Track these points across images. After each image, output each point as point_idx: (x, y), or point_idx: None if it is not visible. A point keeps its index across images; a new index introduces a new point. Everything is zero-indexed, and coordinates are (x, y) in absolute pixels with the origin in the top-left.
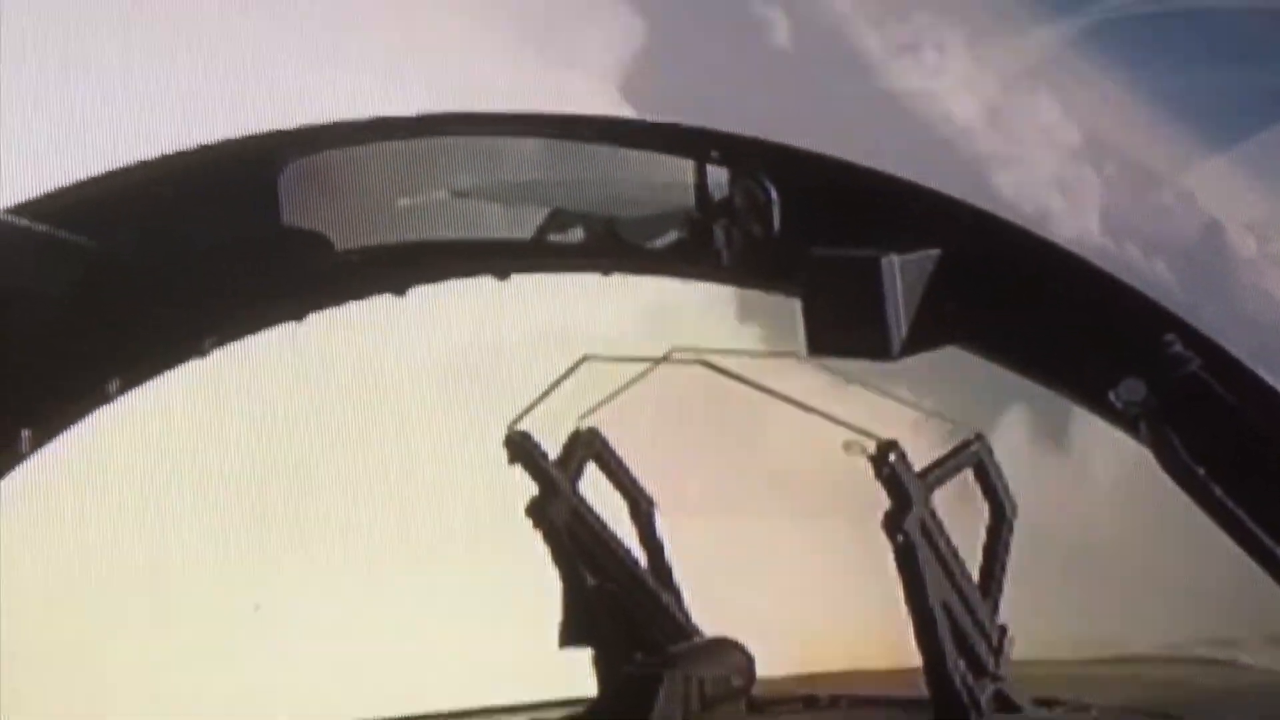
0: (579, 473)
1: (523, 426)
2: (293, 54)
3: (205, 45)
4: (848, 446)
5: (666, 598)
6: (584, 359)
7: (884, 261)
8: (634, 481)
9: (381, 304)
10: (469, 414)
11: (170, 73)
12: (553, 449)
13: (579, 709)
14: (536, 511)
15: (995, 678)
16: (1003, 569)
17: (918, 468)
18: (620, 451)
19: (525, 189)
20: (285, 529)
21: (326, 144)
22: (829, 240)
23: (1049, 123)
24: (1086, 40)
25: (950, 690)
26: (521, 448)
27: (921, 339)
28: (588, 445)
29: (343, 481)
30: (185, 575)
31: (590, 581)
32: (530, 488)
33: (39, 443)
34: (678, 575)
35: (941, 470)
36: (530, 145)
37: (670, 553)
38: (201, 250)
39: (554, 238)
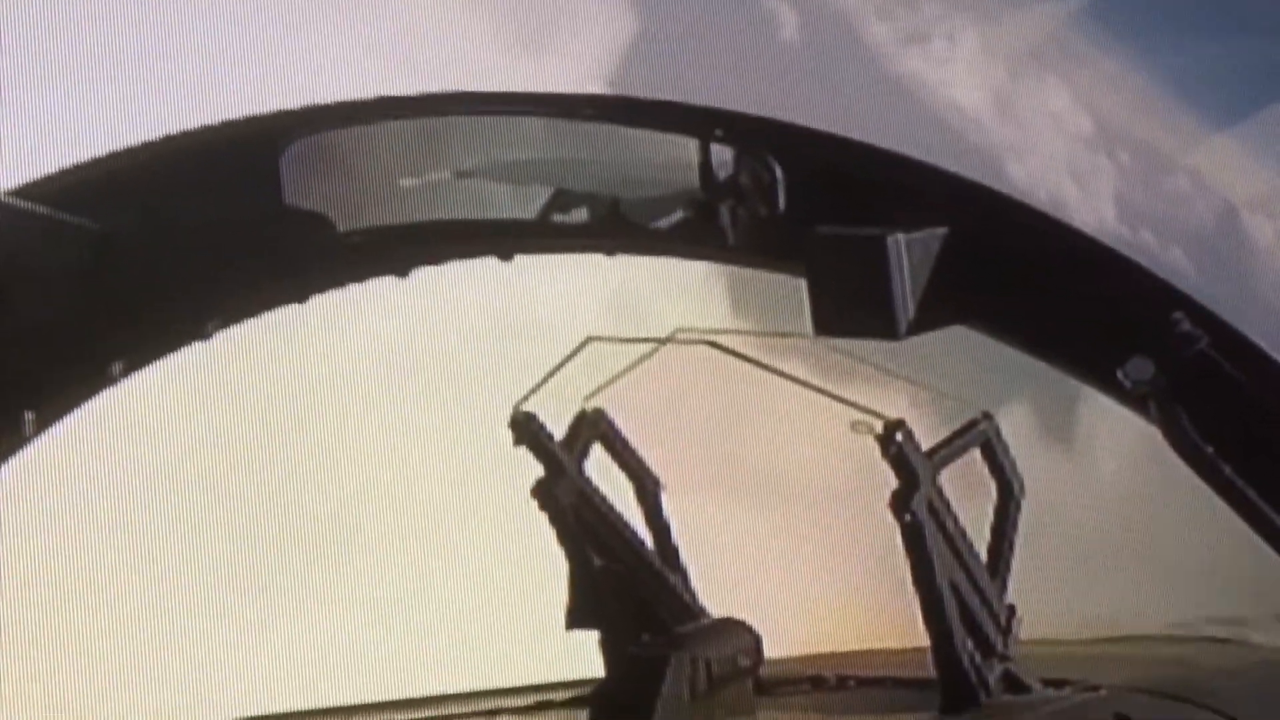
0: (585, 454)
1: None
2: (292, 35)
3: (207, 25)
4: (855, 426)
5: (673, 579)
6: (588, 340)
7: (889, 240)
8: (640, 462)
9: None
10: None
11: (173, 52)
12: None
13: (586, 690)
14: (543, 493)
15: (1003, 658)
16: (1011, 549)
17: (925, 447)
18: (626, 432)
19: (529, 169)
20: (285, 516)
21: (329, 124)
22: (834, 219)
23: (1057, 108)
24: (1088, 18)
25: (958, 670)
26: (527, 429)
27: (928, 319)
28: (593, 426)
29: (342, 467)
30: (186, 561)
31: (597, 563)
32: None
33: (43, 425)
34: (684, 556)
35: (948, 450)
36: (533, 125)
37: (676, 534)
38: (204, 232)
39: (558, 218)
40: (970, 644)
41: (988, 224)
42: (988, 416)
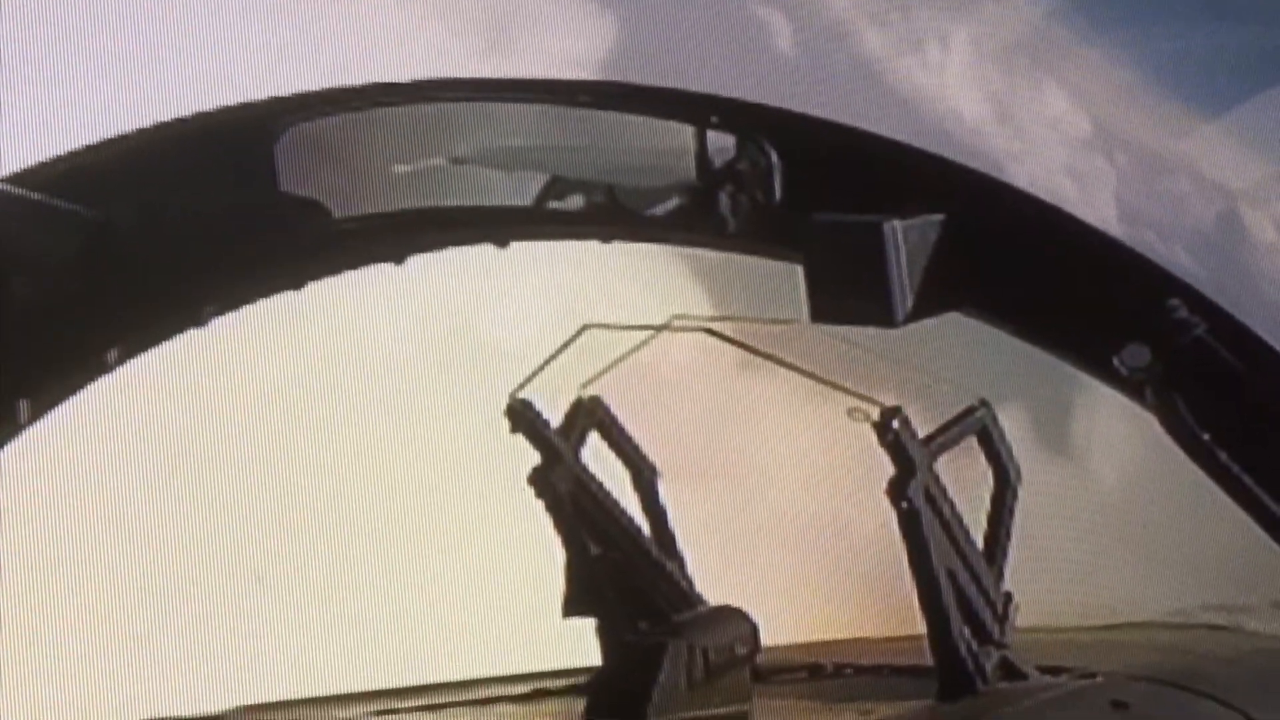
0: (581, 441)
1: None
2: (288, 21)
3: (201, 13)
4: (851, 413)
5: (670, 566)
6: (584, 328)
7: (886, 227)
8: (636, 450)
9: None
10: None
11: (167, 40)
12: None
13: (583, 678)
14: (539, 481)
15: (1000, 645)
16: (1007, 536)
17: (921, 435)
18: (622, 420)
19: (525, 156)
20: (279, 503)
21: (324, 111)
22: (831, 206)
23: (1054, 111)
24: (1074, 10)
25: (955, 658)
26: (523, 417)
27: (925, 305)
28: (590, 414)
29: (337, 454)
30: (181, 549)
31: (593, 551)
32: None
33: (38, 413)
34: (681, 544)
35: (945, 437)
36: (529, 111)
37: (673, 521)
38: (199, 219)
39: (554, 205)
40: (967, 631)
41: (985, 211)
42: (984, 404)
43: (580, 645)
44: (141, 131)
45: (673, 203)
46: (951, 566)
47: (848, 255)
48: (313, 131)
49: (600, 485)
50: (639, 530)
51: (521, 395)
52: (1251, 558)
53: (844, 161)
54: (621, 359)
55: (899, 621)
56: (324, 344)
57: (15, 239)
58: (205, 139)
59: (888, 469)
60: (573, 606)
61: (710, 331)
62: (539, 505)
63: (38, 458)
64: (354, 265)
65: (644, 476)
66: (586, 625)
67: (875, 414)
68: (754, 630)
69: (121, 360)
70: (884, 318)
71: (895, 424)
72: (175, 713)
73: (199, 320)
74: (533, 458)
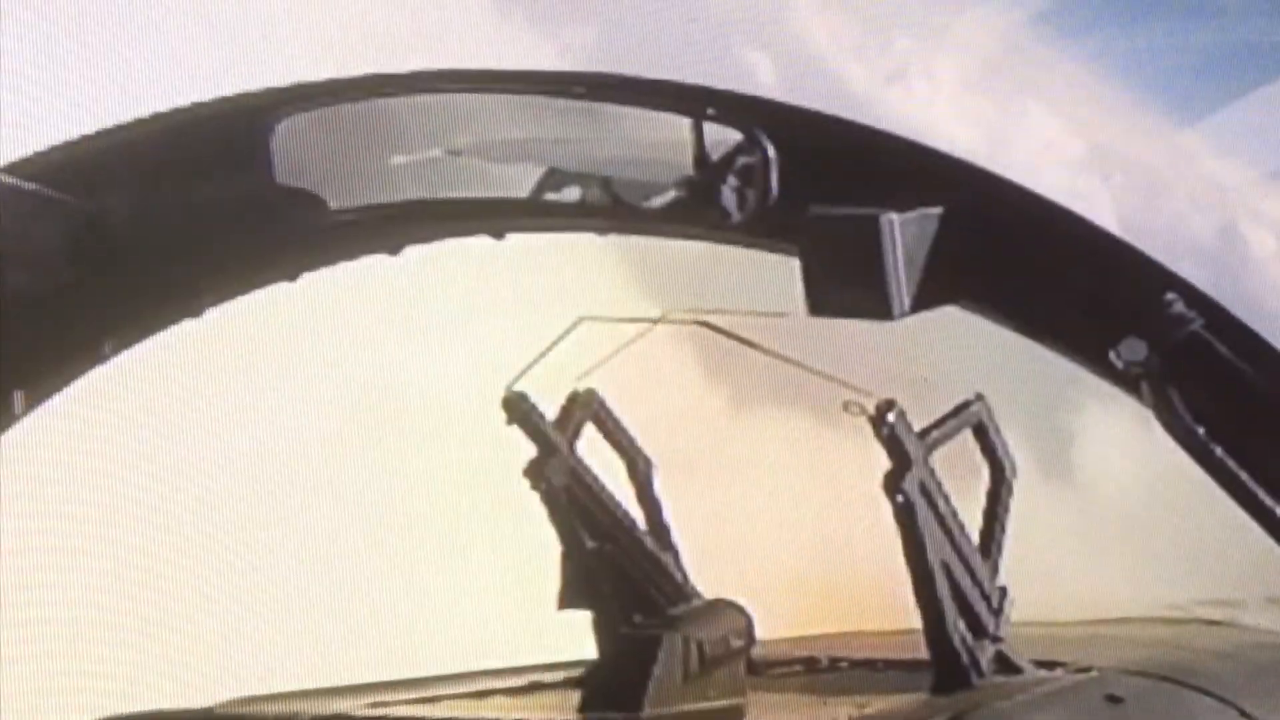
0: (577, 434)
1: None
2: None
3: (197, 2)
4: (847, 406)
5: (665, 559)
6: (579, 320)
7: (883, 219)
8: (632, 442)
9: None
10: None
11: (163, 30)
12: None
13: (578, 671)
14: (534, 473)
15: (995, 639)
16: (1003, 530)
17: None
18: (618, 412)
19: (521, 148)
20: (276, 496)
21: (320, 101)
22: (828, 199)
23: (1046, 135)
24: (1043, 22)
25: (950, 651)
26: (519, 409)
27: (922, 298)
28: (585, 406)
29: (330, 446)
30: (176, 541)
31: (589, 543)
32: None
33: (32, 404)
34: (676, 537)
35: (941, 430)
36: (526, 103)
37: (669, 514)
38: (194, 209)
39: (550, 197)
40: (962, 625)
41: (982, 204)
42: (980, 397)
43: (576, 638)
44: (137, 121)
45: (669, 195)
46: (947, 560)
47: (844, 248)
48: (308, 122)
49: (596, 478)
50: (634, 523)
51: (517, 388)
52: (1247, 553)
53: (841, 154)
54: (617, 351)
55: (894, 615)
56: (320, 336)
57: (9, 229)
58: (200, 129)
59: (883, 462)
60: (568, 599)
61: (705, 324)
62: (534, 498)
63: (33, 449)
64: (349, 257)
65: (639, 469)
66: (582, 618)
67: (871, 407)
68: (749, 623)
69: (117, 351)
70: (881, 311)
71: (891, 417)
72: (169, 705)
73: (195, 311)
74: (529, 450)
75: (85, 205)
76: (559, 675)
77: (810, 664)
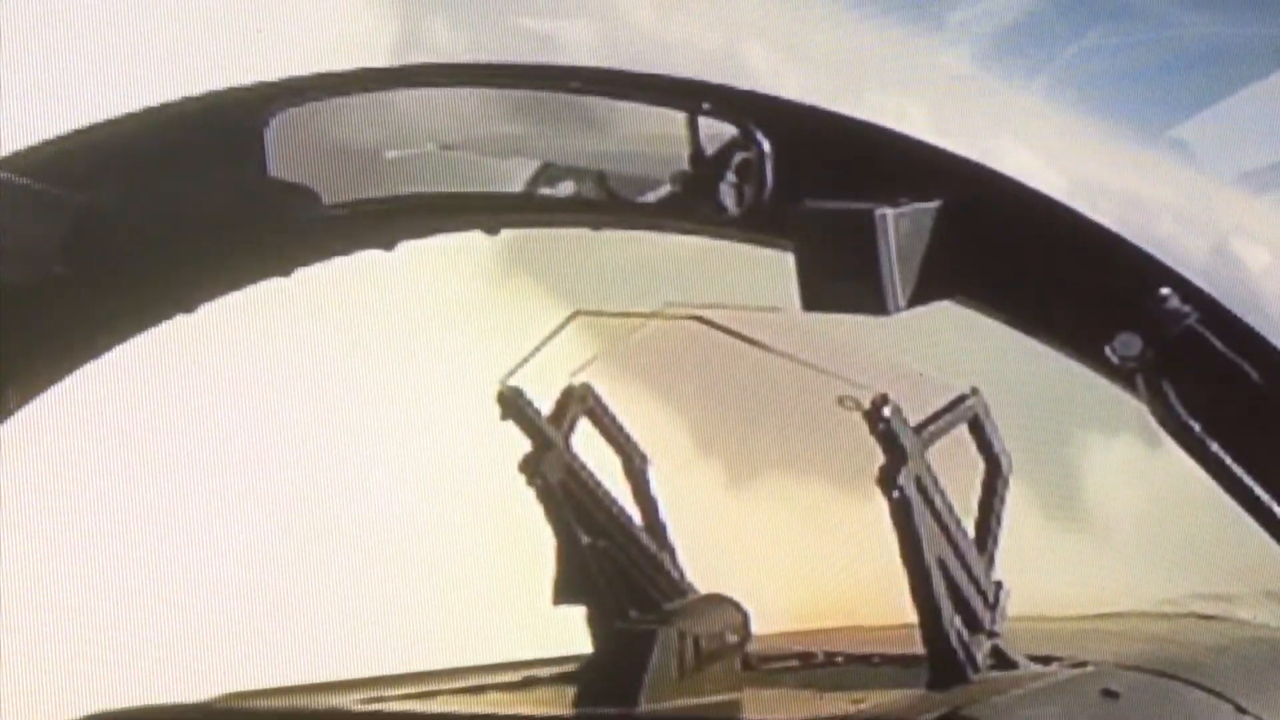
0: (572, 429)
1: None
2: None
3: None
4: (842, 401)
5: (661, 554)
6: (575, 314)
7: (878, 214)
8: (627, 437)
9: None
10: None
11: (155, 23)
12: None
13: (573, 666)
14: (529, 468)
15: (991, 634)
16: (999, 524)
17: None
18: (613, 408)
19: (515, 142)
20: (270, 490)
21: (312, 96)
22: (823, 193)
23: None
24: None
25: (946, 647)
26: (513, 404)
27: (917, 293)
28: (580, 401)
29: (325, 440)
30: (169, 536)
31: (584, 539)
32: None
33: (23, 400)
34: (671, 532)
35: (937, 425)
36: (519, 97)
37: (664, 509)
38: (186, 204)
39: (545, 192)
40: (958, 620)
41: (978, 199)
42: (976, 392)
43: (571, 633)
44: (129, 116)
45: (664, 190)
46: (943, 555)
47: (839, 242)
48: (301, 117)
49: (591, 473)
50: (630, 518)
51: (511, 382)
52: (1242, 547)
53: (835, 149)
54: (612, 346)
55: (890, 610)
56: (315, 330)
57: (0, 224)
58: (192, 124)
59: (878, 457)
60: (563, 594)
61: (700, 318)
62: (529, 492)
63: (25, 445)
64: (343, 252)
65: (635, 464)
66: (577, 613)
67: (866, 402)
68: (745, 618)
69: (109, 346)
70: (876, 306)
71: (886, 412)
72: (165, 699)
73: (188, 307)
74: (524, 445)
75: (77, 199)
76: (554, 670)
77: (806, 659)
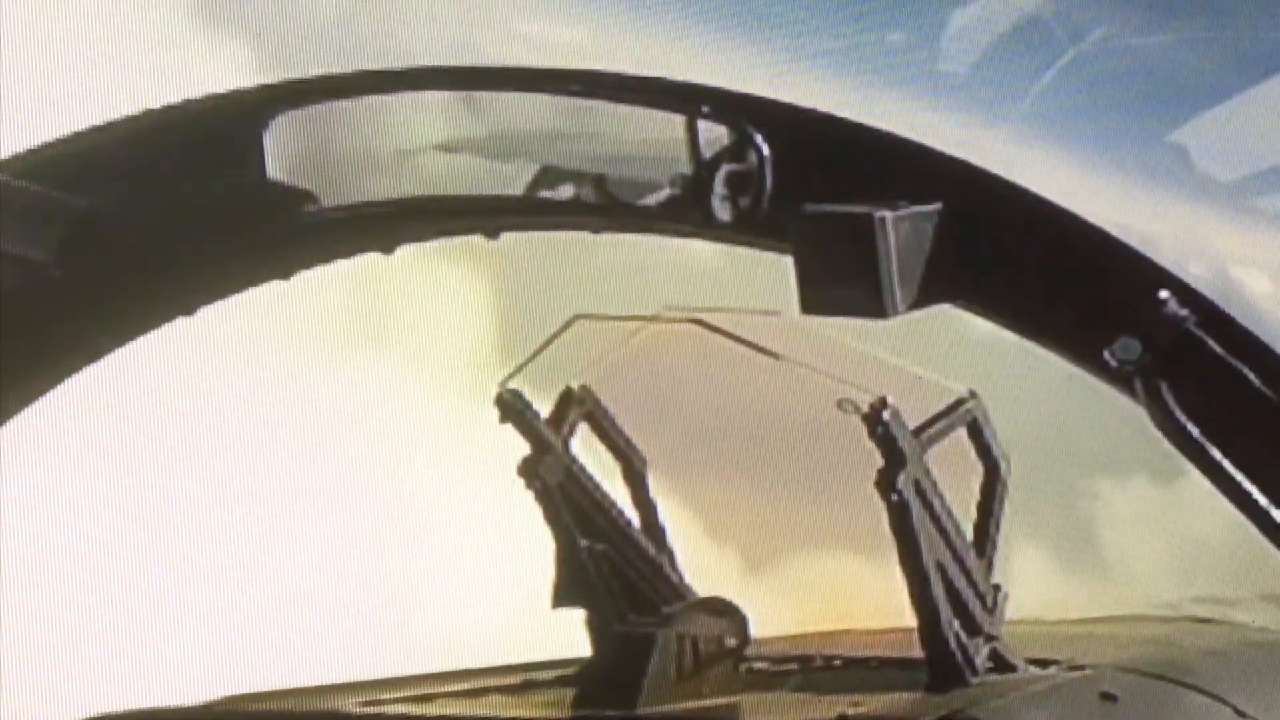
0: (572, 432)
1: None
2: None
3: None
4: (841, 404)
5: (660, 558)
6: (574, 318)
7: (877, 217)
8: (627, 441)
9: None
10: None
11: (151, 26)
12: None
13: (572, 669)
14: (528, 471)
15: (990, 637)
16: (997, 528)
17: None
18: (612, 411)
19: (515, 145)
20: (269, 491)
21: (312, 98)
22: (822, 196)
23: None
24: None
25: (944, 650)
26: (513, 407)
27: (916, 297)
28: (580, 404)
29: (324, 438)
30: (169, 538)
31: (583, 542)
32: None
33: (22, 403)
34: (670, 535)
35: (935, 429)
36: (519, 100)
37: (663, 512)
38: (186, 207)
39: (545, 195)
40: (957, 623)
41: (977, 202)
42: (974, 395)
43: (570, 636)
44: (128, 118)
45: (663, 193)
46: (941, 559)
47: (838, 246)
48: (301, 120)
49: (590, 476)
50: (629, 521)
51: (511, 386)
52: (1240, 551)
53: (835, 152)
54: (611, 349)
55: (889, 614)
56: (314, 333)
57: None
58: (192, 126)
59: (877, 460)
60: (562, 597)
61: (699, 322)
62: (528, 496)
63: (24, 448)
64: (343, 255)
65: (634, 467)
66: (576, 616)
67: (865, 405)
68: (744, 621)
69: (109, 349)
70: (874, 309)
71: (885, 415)
72: (164, 703)
73: (188, 309)
74: (522, 448)
75: (76, 203)
76: (553, 673)
77: (804, 662)
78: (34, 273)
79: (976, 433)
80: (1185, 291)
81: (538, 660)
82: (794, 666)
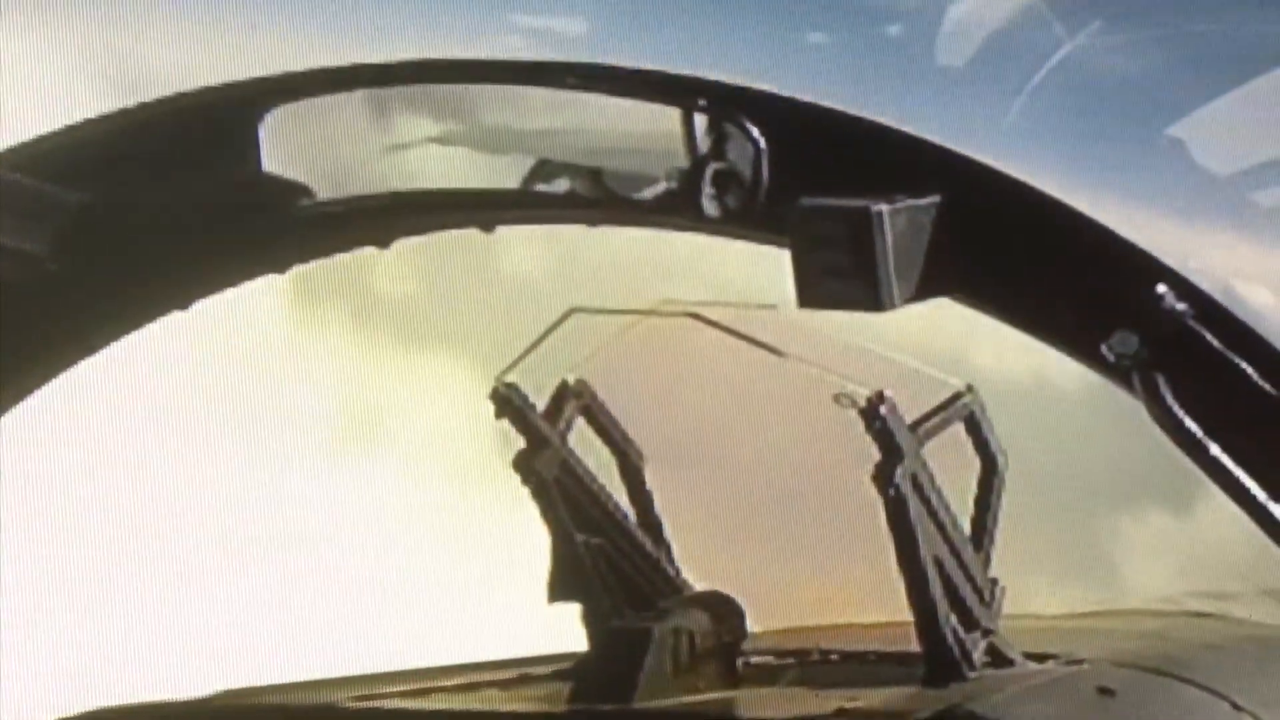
0: (568, 426)
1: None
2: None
3: None
4: (838, 399)
5: (656, 552)
6: (571, 311)
7: (874, 211)
8: (624, 435)
9: None
10: None
11: (149, 19)
12: None
13: (568, 664)
14: (524, 466)
15: (987, 631)
16: (994, 522)
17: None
18: (609, 405)
19: (511, 138)
20: (265, 486)
21: (308, 91)
22: (819, 190)
23: None
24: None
25: (942, 644)
26: (509, 401)
27: (914, 291)
28: (577, 398)
29: (320, 435)
30: (165, 533)
31: (579, 537)
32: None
33: (17, 397)
34: (667, 529)
35: (932, 423)
36: (515, 93)
37: (659, 507)
38: (182, 200)
39: (541, 188)
40: (954, 618)
41: (975, 196)
42: (971, 389)
43: (566, 631)
44: (122, 111)
45: (660, 186)
46: (938, 553)
47: (835, 239)
48: (297, 112)
49: (587, 470)
50: (625, 515)
51: (507, 379)
52: (1238, 545)
53: (832, 145)
54: (608, 343)
55: (885, 608)
56: (312, 328)
57: None
58: (186, 119)
59: (874, 454)
60: (558, 592)
61: (696, 315)
62: (524, 490)
63: (20, 443)
64: (339, 249)
65: (630, 461)
66: (572, 610)
67: (862, 399)
68: (740, 616)
69: (105, 343)
70: (872, 303)
71: (882, 409)
72: (161, 697)
73: (183, 304)
74: (518, 442)
75: (71, 196)
76: (549, 667)
77: (801, 656)
78: (27, 266)
79: (974, 427)
80: (1183, 286)
81: (533, 655)
82: (790, 661)
